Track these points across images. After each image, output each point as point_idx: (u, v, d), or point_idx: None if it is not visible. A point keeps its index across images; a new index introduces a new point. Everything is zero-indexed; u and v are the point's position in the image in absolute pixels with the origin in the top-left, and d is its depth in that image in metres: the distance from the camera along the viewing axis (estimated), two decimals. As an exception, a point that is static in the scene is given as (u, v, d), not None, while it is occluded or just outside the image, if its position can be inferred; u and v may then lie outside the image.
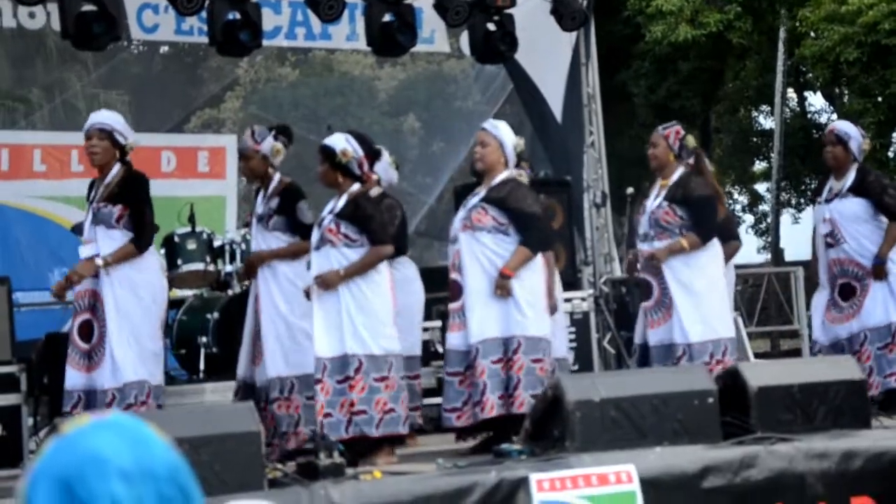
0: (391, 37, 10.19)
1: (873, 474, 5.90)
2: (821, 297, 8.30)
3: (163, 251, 9.99)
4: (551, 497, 5.50)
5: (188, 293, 10.25)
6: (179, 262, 9.81)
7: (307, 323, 7.03)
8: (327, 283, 6.80)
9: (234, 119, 15.54)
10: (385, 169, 8.13)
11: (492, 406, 7.00)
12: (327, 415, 6.72)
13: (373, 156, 7.24)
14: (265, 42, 10.53)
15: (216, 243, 9.90)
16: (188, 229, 9.94)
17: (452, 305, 7.25)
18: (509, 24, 10.51)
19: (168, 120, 13.62)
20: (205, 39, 11.53)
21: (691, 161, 7.83)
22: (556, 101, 11.49)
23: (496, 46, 10.57)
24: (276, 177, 7.53)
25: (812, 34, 15.34)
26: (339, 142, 7.05)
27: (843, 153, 8.21)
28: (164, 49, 14.07)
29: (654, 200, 7.71)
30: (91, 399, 7.07)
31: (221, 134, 14.49)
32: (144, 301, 7.15)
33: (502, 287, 7.06)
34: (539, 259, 7.23)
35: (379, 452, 6.78)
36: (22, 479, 1.59)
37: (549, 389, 6.24)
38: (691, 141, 7.83)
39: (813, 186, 8.51)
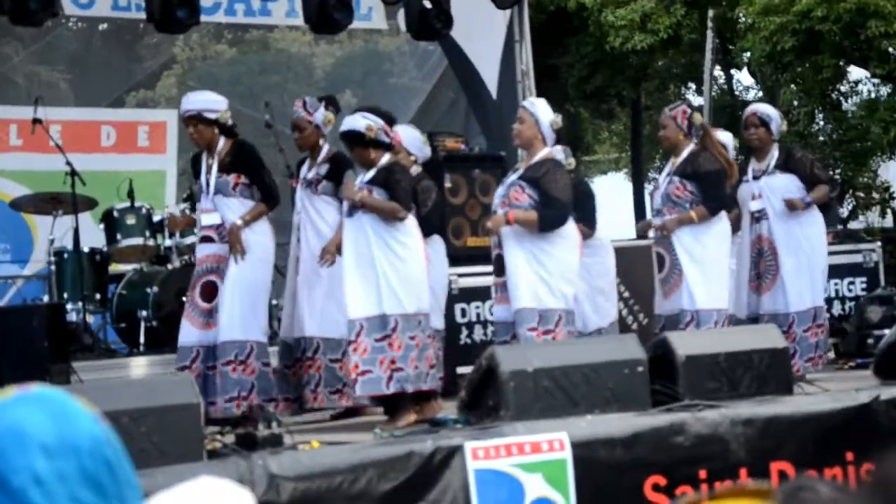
0: (328, 14, 10.25)
1: (794, 440, 6.10)
2: (742, 274, 8.54)
3: (102, 226, 10.05)
4: (485, 465, 5.61)
5: (128, 268, 10.30)
6: (119, 236, 9.87)
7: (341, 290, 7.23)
8: (353, 196, 7.01)
9: (170, 96, 15.46)
10: (419, 147, 8.26)
11: None
12: (365, 372, 6.90)
13: (389, 121, 7.37)
14: (204, 18, 10.56)
15: (155, 218, 9.96)
16: (127, 204, 9.99)
17: (498, 280, 7.46)
18: (445, 2, 10.61)
19: (107, 96, 13.57)
20: (142, 15, 11.53)
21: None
22: (491, 78, 11.61)
23: (432, 24, 10.66)
24: (326, 146, 7.83)
25: (748, 34, 15.56)
26: (358, 121, 7.18)
27: (765, 134, 8.54)
28: (102, 26, 14.00)
29: (666, 177, 7.99)
30: (207, 354, 7.43)
31: (161, 108, 14.43)
32: (258, 261, 7.52)
33: (496, 220, 7.29)
34: (575, 238, 7.44)
35: (411, 407, 7.04)
36: None
37: (484, 360, 6.35)
38: (698, 118, 8.02)
39: (740, 161, 8.76)
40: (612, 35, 16.23)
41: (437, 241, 8.24)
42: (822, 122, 16.95)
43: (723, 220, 7.92)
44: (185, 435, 5.51)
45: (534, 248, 7.30)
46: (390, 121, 7.39)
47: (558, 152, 7.61)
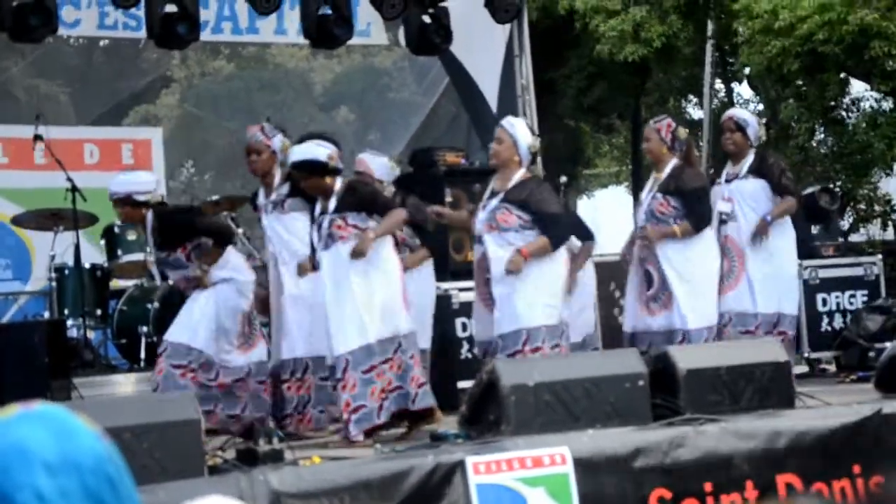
0: (328, 30, 10.28)
1: (797, 453, 6.10)
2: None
3: (103, 242, 10.05)
4: (487, 479, 5.61)
5: (129, 283, 10.30)
6: (119, 252, 9.87)
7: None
8: (362, 250, 6.84)
9: (170, 115, 15.52)
10: (388, 172, 8.23)
11: None
12: (358, 408, 6.78)
13: (338, 146, 7.29)
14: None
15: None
16: (127, 220, 9.98)
17: (490, 301, 7.36)
18: (444, 17, 10.64)
19: (107, 111, 13.59)
20: (129, 34, 11.57)
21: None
22: (491, 92, 11.63)
23: (431, 39, 10.69)
24: (278, 171, 7.72)
25: (745, 47, 15.57)
26: (317, 150, 7.08)
27: (741, 139, 8.51)
28: (104, 42, 14.04)
29: (649, 193, 7.94)
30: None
31: (148, 127, 14.45)
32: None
33: (515, 263, 7.19)
34: (561, 255, 7.38)
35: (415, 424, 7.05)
36: None
37: (485, 374, 6.36)
38: (682, 133, 7.99)
39: (710, 167, 8.80)
40: (603, 42, 16.27)
41: (428, 261, 8.22)
42: (822, 135, 16.95)
43: (708, 236, 7.90)
44: (187, 451, 5.52)
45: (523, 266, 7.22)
46: (338, 145, 7.28)
47: (534, 172, 7.61)
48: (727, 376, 6.47)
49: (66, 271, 9.82)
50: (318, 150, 7.07)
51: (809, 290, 9.01)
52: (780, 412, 6.39)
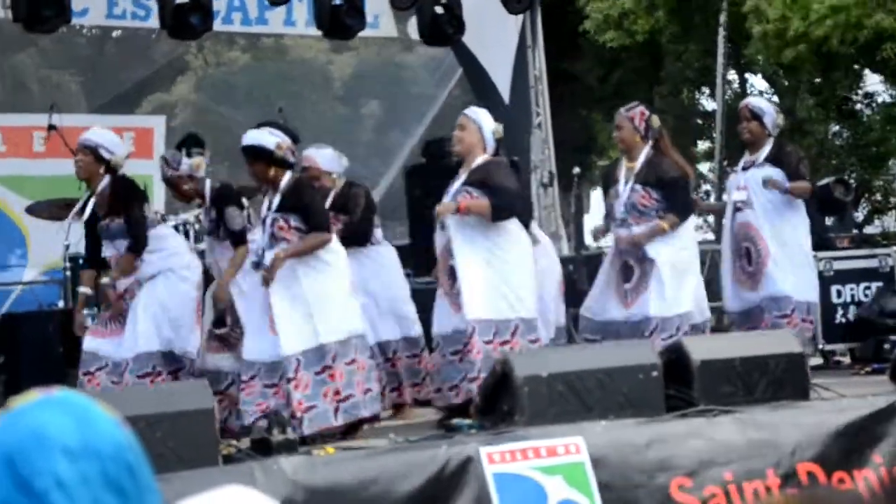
0: (340, 20, 10.29)
1: (816, 443, 6.07)
2: (727, 266, 8.52)
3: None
4: (504, 469, 5.61)
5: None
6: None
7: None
8: (274, 270, 6.65)
9: (185, 103, 15.54)
10: (337, 163, 8.04)
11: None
12: (310, 408, 6.57)
13: (294, 140, 7.10)
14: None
15: (169, 223, 9.94)
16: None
17: (452, 290, 7.20)
18: (457, 8, 10.63)
19: (119, 100, 13.60)
20: (138, 23, 11.56)
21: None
22: (503, 83, 11.61)
23: (444, 29, 10.69)
24: (208, 187, 7.50)
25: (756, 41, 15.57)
26: (266, 137, 6.91)
27: (758, 128, 8.47)
28: (116, 32, 14.06)
29: (626, 185, 7.72)
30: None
31: (155, 115, 14.43)
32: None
33: (446, 206, 7.13)
34: (529, 245, 7.28)
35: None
36: None
37: (499, 365, 6.36)
38: (656, 121, 7.82)
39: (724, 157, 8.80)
40: (589, 23, 16.32)
41: (386, 247, 8.04)
42: (837, 127, 16.93)
43: (689, 224, 7.78)
44: (201, 440, 5.54)
45: (489, 255, 7.13)
46: (295, 139, 7.10)
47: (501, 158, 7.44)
48: (741, 367, 6.45)
49: (80, 261, 9.83)
50: (268, 138, 6.90)
51: (824, 282, 8.97)
52: (795, 403, 6.38)
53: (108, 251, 7.30)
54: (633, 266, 7.65)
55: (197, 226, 9.38)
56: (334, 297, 6.76)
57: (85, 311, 7.61)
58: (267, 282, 6.66)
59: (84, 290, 7.45)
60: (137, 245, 7.16)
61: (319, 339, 6.64)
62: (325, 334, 6.65)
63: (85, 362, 7.08)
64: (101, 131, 7.52)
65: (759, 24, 15.07)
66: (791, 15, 14.57)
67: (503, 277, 7.10)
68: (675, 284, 7.49)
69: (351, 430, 6.82)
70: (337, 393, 6.64)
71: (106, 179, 7.26)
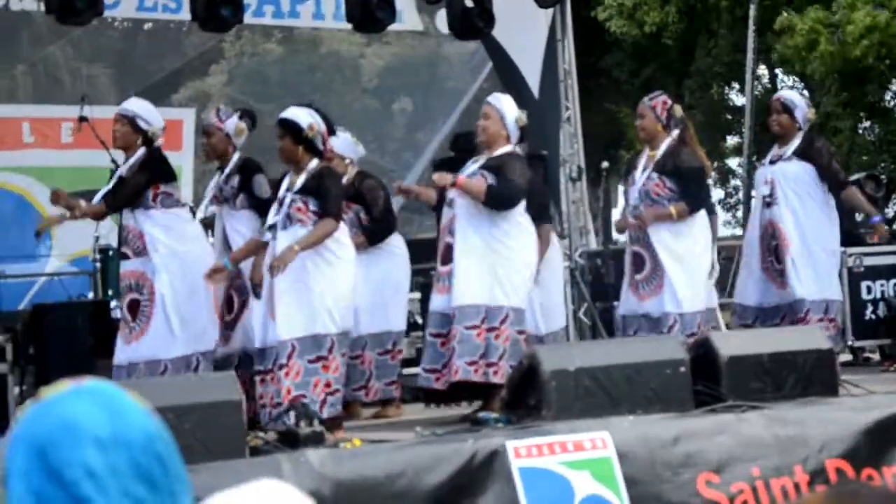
0: (371, 13, 10.30)
1: (841, 441, 6.05)
2: (754, 261, 8.45)
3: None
4: (530, 463, 5.60)
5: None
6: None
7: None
8: (285, 261, 6.56)
9: (220, 94, 15.55)
10: (353, 149, 8.05)
11: (456, 370, 6.98)
12: (297, 397, 6.44)
13: (330, 130, 7.06)
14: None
15: (199, 215, 9.98)
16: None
17: (442, 268, 7.25)
18: (487, 1, 10.62)
19: (151, 90, 13.63)
20: (168, 16, 11.59)
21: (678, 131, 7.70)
22: (533, 77, 11.60)
23: (474, 23, 10.68)
24: (236, 156, 7.55)
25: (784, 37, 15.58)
26: (304, 116, 6.88)
27: (788, 121, 8.41)
28: (148, 25, 14.09)
29: (643, 173, 7.64)
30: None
31: (179, 107, 14.47)
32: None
33: (442, 177, 7.18)
34: (534, 237, 7.29)
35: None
36: (3, 444, 1.58)
37: (526, 359, 6.36)
38: (678, 111, 7.73)
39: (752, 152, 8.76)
40: (601, 10, 16.38)
41: (397, 239, 8.04)
42: (868, 123, 16.87)
43: (703, 218, 7.65)
44: (229, 432, 5.54)
45: (492, 239, 7.11)
46: (331, 129, 7.04)
47: (521, 150, 7.43)
48: (770, 363, 6.42)
49: (110, 252, 9.88)
50: (303, 116, 6.87)
51: (854, 278, 8.92)
52: (824, 399, 6.35)
53: (128, 220, 7.35)
54: (644, 256, 7.60)
55: None
56: (340, 291, 6.69)
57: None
58: (274, 270, 6.60)
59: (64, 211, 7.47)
60: (114, 200, 7.31)
61: (318, 328, 6.57)
62: (324, 325, 6.58)
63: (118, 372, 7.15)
64: (139, 101, 7.66)
65: (791, 38, 15.05)
66: (820, 31, 14.53)
67: (501, 264, 7.08)
68: (685, 280, 7.45)
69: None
70: (328, 385, 6.57)
71: (142, 150, 7.35)
